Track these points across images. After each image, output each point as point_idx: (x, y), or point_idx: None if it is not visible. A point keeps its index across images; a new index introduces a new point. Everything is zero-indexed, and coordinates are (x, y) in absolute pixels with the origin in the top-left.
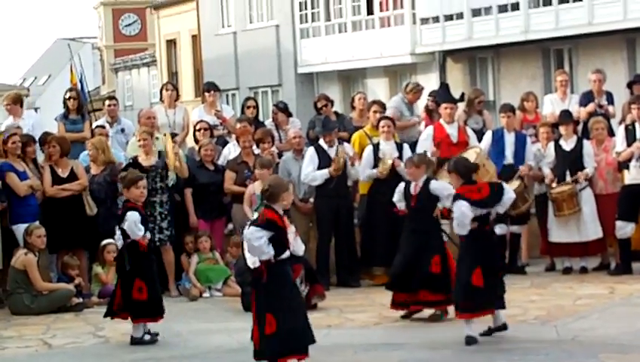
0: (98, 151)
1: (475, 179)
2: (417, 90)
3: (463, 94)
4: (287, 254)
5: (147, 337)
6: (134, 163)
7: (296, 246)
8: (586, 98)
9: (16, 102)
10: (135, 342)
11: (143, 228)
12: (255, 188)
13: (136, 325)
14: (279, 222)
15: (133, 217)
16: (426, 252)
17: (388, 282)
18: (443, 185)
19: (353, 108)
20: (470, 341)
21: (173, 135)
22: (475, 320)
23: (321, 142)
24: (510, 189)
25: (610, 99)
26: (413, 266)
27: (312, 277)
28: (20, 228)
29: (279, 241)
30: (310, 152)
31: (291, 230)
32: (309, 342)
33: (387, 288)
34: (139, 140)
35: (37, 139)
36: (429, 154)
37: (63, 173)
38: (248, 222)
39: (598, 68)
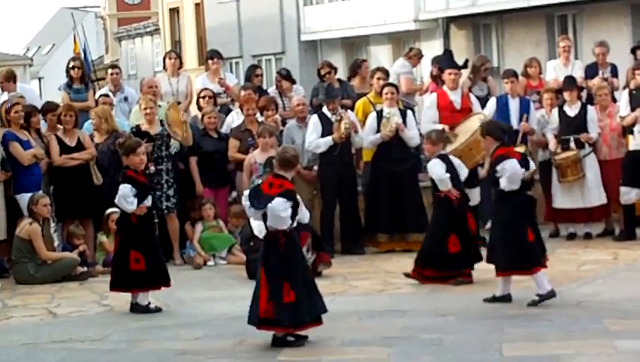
0: (101, 120)
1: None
2: (419, 55)
3: (466, 61)
4: (295, 223)
5: (152, 306)
6: (137, 131)
7: (302, 214)
8: (591, 70)
9: (9, 79)
10: (140, 310)
11: (134, 200)
12: (255, 156)
13: (144, 294)
14: (295, 193)
15: (122, 191)
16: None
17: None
18: (437, 169)
19: (354, 75)
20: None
21: (177, 103)
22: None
23: (325, 109)
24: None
25: (614, 71)
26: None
27: (318, 245)
28: (24, 198)
29: (295, 210)
30: (314, 120)
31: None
32: (323, 310)
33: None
34: (145, 109)
35: None
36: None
37: (71, 142)
38: (247, 191)
39: (602, 40)
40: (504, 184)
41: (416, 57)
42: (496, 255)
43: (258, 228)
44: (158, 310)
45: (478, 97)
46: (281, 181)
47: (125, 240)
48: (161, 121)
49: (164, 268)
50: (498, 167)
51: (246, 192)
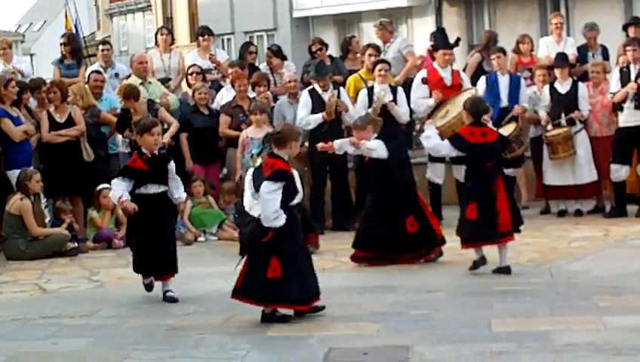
0: (77, 97)
1: (484, 123)
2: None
3: (458, 39)
4: (297, 200)
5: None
6: (126, 111)
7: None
8: (581, 52)
9: (10, 47)
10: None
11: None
12: (249, 132)
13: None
14: (289, 172)
15: (113, 191)
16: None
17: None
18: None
19: (346, 53)
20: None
21: (168, 79)
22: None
23: (316, 86)
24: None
25: (604, 53)
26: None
27: (307, 225)
28: (14, 174)
29: (290, 190)
30: (304, 96)
31: (296, 175)
32: (313, 293)
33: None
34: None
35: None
36: (430, 102)
37: (61, 118)
38: (251, 170)
39: (592, 23)
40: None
41: (386, 30)
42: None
43: (248, 204)
44: (149, 288)
45: (486, 72)
46: (274, 161)
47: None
48: (148, 100)
49: (148, 257)
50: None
51: (249, 176)
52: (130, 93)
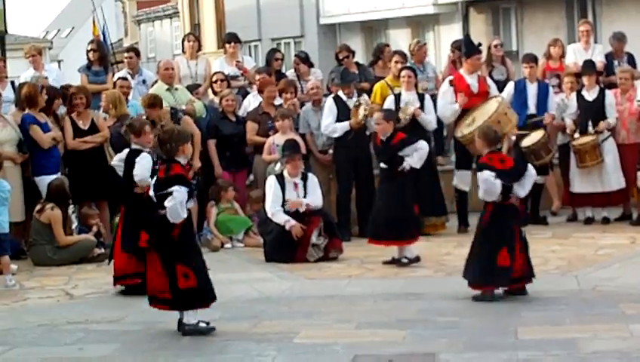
0: (109, 105)
1: (500, 148)
2: (419, 47)
3: (479, 44)
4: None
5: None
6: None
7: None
8: (608, 60)
9: (40, 53)
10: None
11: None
12: (275, 139)
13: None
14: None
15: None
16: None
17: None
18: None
19: (377, 60)
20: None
21: (197, 86)
22: None
23: (340, 93)
24: (533, 169)
25: (631, 60)
26: None
27: (331, 230)
28: (43, 180)
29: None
30: (329, 103)
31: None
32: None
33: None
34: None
35: None
36: (456, 107)
37: (84, 124)
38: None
39: (620, 32)
40: (481, 194)
41: (416, 51)
42: None
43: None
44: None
45: (497, 81)
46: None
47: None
48: (171, 108)
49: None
50: (479, 176)
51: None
52: (153, 103)
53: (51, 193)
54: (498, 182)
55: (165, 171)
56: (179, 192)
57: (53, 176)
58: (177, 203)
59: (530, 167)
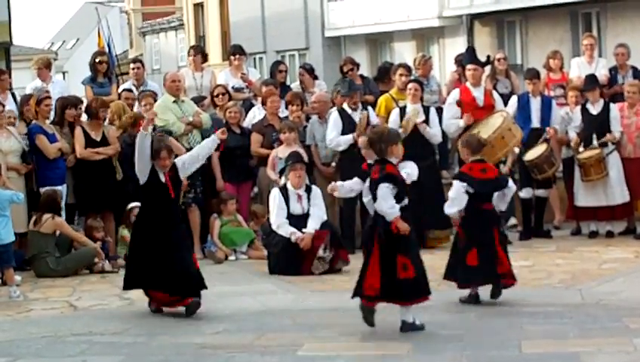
0: (114, 116)
1: (483, 158)
2: (425, 60)
3: (488, 57)
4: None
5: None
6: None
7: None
8: (611, 74)
9: (47, 66)
10: None
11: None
12: (279, 152)
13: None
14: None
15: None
16: None
17: None
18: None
19: (383, 76)
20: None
21: (202, 98)
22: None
23: (345, 105)
24: (513, 185)
25: (635, 74)
26: None
27: (337, 242)
28: None
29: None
30: (334, 116)
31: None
32: None
33: None
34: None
35: None
36: (460, 123)
37: (96, 136)
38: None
39: (623, 43)
40: (447, 204)
41: (421, 65)
42: None
43: (276, 223)
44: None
45: (501, 95)
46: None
47: None
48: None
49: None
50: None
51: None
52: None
53: (43, 203)
54: (464, 197)
55: (379, 171)
56: (380, 188)
57: (59, 188)
58: (380, 199)
59: (511, 182)
